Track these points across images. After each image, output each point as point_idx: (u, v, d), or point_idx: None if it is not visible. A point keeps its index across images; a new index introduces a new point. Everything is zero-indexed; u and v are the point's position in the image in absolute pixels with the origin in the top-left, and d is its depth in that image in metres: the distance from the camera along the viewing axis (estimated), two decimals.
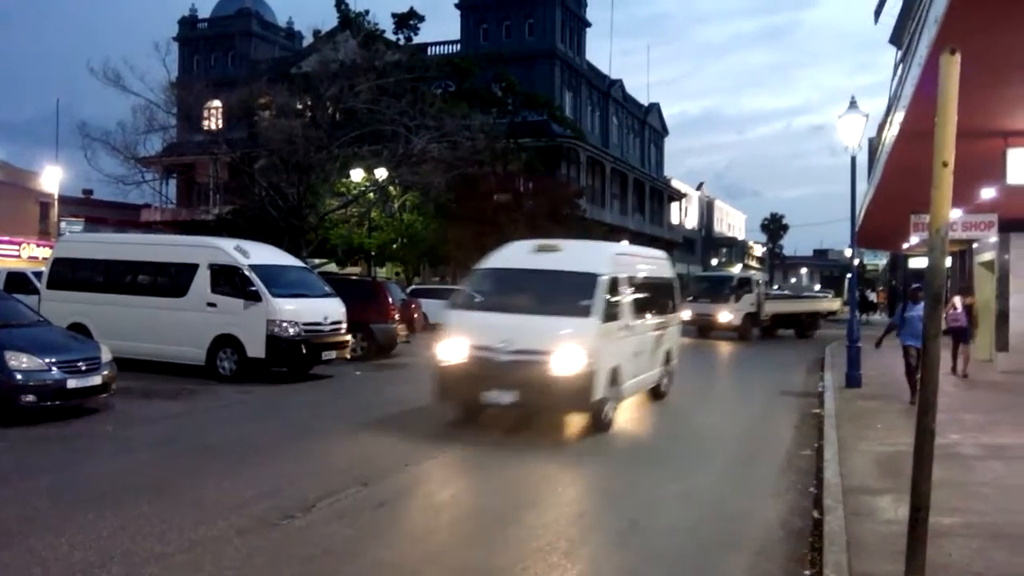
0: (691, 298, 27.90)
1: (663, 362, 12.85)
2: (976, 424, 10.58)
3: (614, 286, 10.51)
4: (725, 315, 27.67)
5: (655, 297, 12.48)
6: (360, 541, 5.98)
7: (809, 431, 11.01)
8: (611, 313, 10.14)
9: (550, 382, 9.40)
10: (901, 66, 11.58)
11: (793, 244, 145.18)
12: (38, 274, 18.00)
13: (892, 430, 10.28)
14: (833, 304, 37.89)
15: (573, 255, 11.02)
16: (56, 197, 37.16)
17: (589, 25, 56.89)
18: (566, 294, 10.22)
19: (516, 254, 11.34)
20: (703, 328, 28.24)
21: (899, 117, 9.96)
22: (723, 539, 6.28)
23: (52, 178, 36.79)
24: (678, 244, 68.70)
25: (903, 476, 7.31)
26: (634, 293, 11.23)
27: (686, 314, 26.81)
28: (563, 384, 9.41)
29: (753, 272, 33.25)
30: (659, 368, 12.62)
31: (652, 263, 13.37)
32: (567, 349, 9.50)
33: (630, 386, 11.02)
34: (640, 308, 11.42)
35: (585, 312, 9.78)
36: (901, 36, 15.67)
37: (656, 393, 12.86)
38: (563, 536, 6.17)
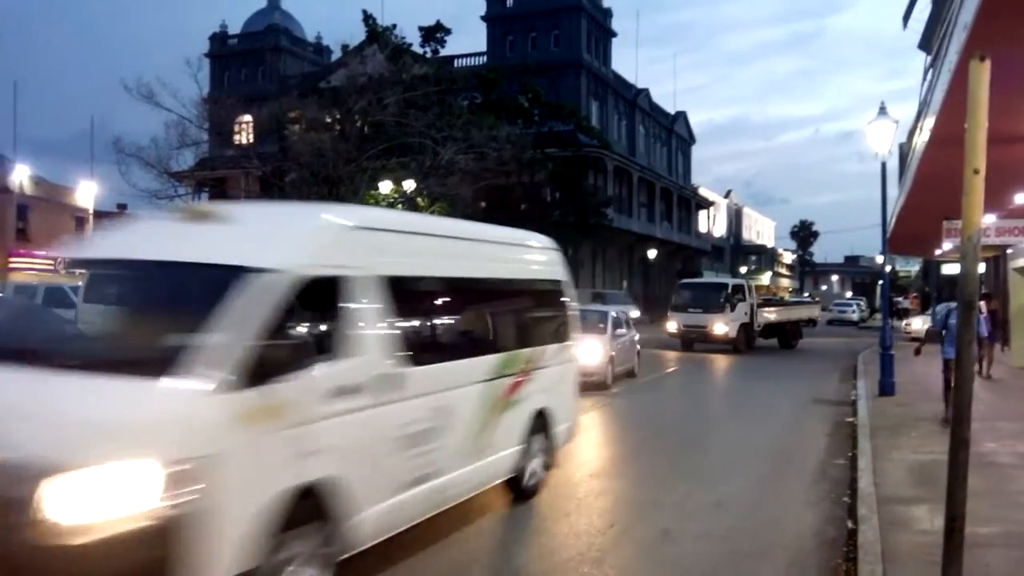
0: (678, 308, 26.58)
1: (522, 437, 7.24)
2: (1012, 433, 10.39)
3: (313, 295, 4.88)
4: (720, 326, 25.29)
5: (498, 315, 7.37)
6: (389, 548, 6.03)
7: (843, 440, 10.90)
8: (275, 363, 4.44)
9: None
10: (931, 72, 11.50)
11: (823, 251, 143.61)
12: (75, 288, 18.37)
13: (927, 438, 10.14)
14: (814, 310, 35.81)
15: (238, 231, 5.22)
16: (91, 212, 37.94)
17: (615, 35, 56.96)
18: (172, 320, 4.85)
19: (143, 230, 6.18)
20: (689, 341, 26.10)
21: (929, 123, 9.89)
22: (756, 548, 6.26)
23: (87, 193, 37.58)
24: (707, 252, 68.35)
25: (938, 485, 7.23)
26: (413, 308, 6.02)
27: (671, 326, 26.36)
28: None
29: (742, 279, 31.08)
30: (510, 450, 7.06)
31: (487, 249, 7.43)
32: (104, 478, 3.81)
33: (381, 519, 5.36)
34: (435, 339, 6.56)
35: (179, 367, 4.16)
36: (930, 41, 15.53)
37: (518, 490, 7.37)
38: (594, 546, 6.18)
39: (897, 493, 7.50)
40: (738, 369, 21.96)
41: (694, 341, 26.02)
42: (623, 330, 17.41)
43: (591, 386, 13.90)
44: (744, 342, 26.04)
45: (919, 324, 32.84)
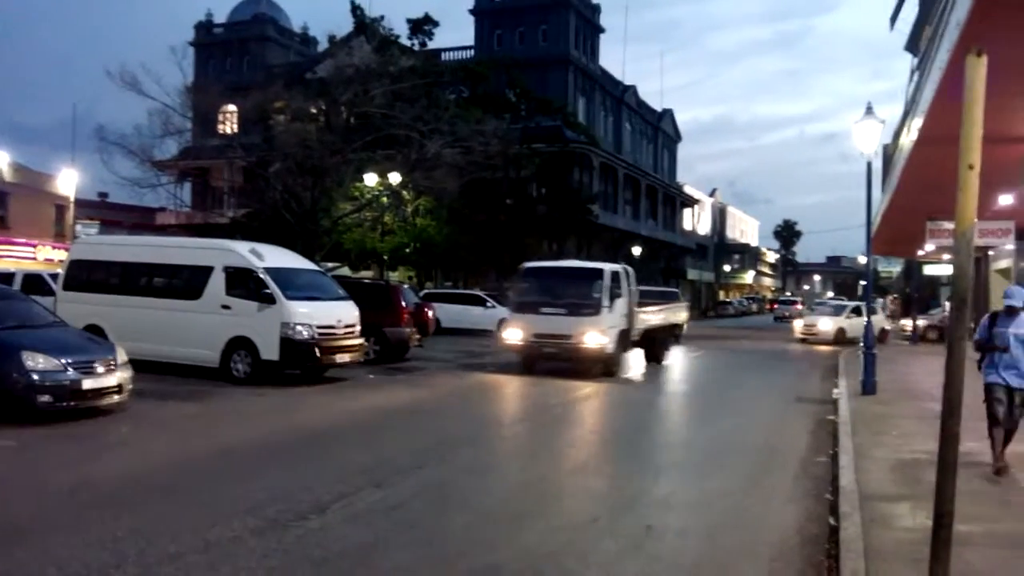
0: (524, 307, 17.24)
1: None
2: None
3: None
4: (595, 337, 16.31)
5: None
6: (374, 544, 5.96)
7: (824, 438, 10.91)
8: None
9: None
10: (918, 72, 11.52)
11: (806, 251, 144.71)
12: (54, 276, 18.13)
13: (908, 437, 10.18)
14: (681, 314, 24.86)
15: None
16: (72, 200, 37.48)
17: (603, 31, 56.98)
18: None
19: None
20: (535, 357, 17.30)
21: (917, 123, 9.91)
22: (739, 545, 6.22)
23: (68, 181, 37.12)
24: (691, 250, 68.61)
25: (920, 483, 7.27)
26: None
27: (511, 335, 17.09)
28: None
29: (622, 264, 20.00)
30: None
31: None
32: None
33: None
34: None
35: None
36: (917, 42, 15.60)
37: None
38: (577, 541, 6.13)
39: (879, 491, 7.50)
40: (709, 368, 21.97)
41: (544, 358, 17.32)
42: None
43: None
44: (619, 360, 17.64)
45: (826, 323, 32.23)
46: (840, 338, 30.85)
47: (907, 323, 35.90)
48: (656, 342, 20.24)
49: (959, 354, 4.34)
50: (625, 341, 17.60)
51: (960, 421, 4.27)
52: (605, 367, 16.91)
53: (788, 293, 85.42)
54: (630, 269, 18.66)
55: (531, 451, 9.88)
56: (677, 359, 22.62)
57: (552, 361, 17.40)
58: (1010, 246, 17.10)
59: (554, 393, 14.76)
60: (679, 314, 24.16)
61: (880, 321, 30.98)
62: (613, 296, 16.93)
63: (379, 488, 7.44)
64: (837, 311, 34.07)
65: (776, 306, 66.61)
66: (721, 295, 79.89)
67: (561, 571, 5.49)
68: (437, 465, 8.62)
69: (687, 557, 5.90)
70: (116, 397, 10.56)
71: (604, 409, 13.78)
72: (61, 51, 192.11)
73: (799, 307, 58.92)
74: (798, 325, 34.34)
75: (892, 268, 69.63)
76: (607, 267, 17.73)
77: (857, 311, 31.60)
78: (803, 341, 32.14)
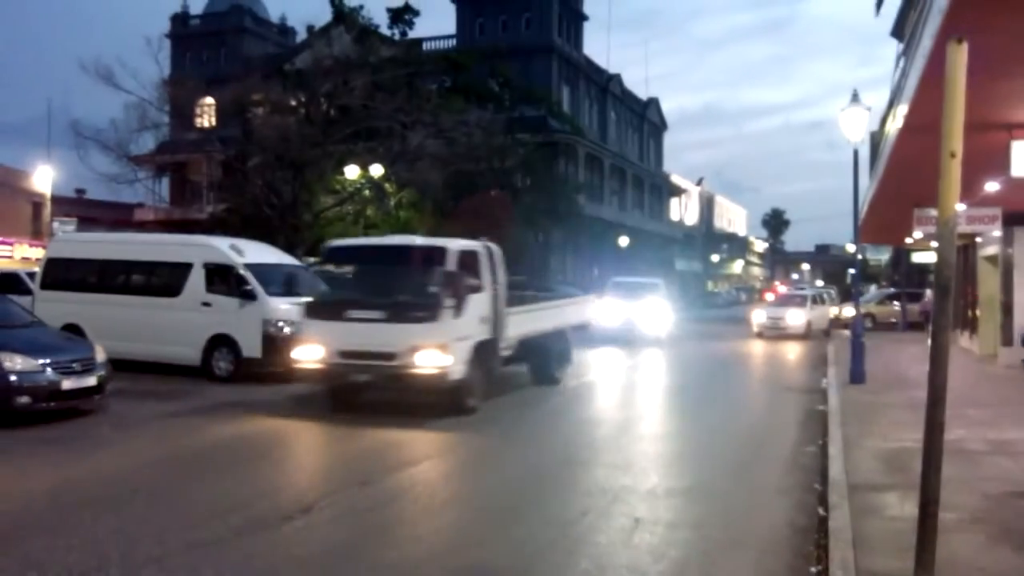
0: (325, 309, 11.36)
1: None
2: (981, 419, 10.54)
3: None
4: (431, 355, 10.50)
5: None
6: (360, 542, 5.90)
7: (813, 428, 10.93)
8: None
9: None
10: (903, 59, 11.50)
11: (794, 240, 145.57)
12: (31, 274, 17.87)
13: (896, 426, 10.22)
14: (585, 310, 16.96)
15: None
16: (48, 197, 36.98)
17: (586, 19, 56.78)
18: None
19: None
20: (345, 390, 11.37)
21: (902, 110, 9.87)
22: (728, 536, 6.21)
23: (44, 178, 36.62)
24: (679, 240, 68.76)
25: (908, 472, 7.28)
26: None
27: (309, 352, 10.88)
28: None
29: (480, 243, 12.47)
30: None
31: None
32: None
33: None
34: None
35: None
36: (903, 28, 15.58)
37: None
38: (566, 535, 6.09)
39: (868, 480, 7.52)
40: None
41: (356, 391, 11.52)
42: None
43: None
44: (479, 389, 11.47)
45: (797, 317, 27.20)
46: (808, 332, 27.28)
47: (849, 312, 34.03)
48: (549, 354, 14.09)
49: (943, 342, 4.32)
50: (487, 358, 11.52)
51: (945, 410, 4.25)
52: (454, 400, 10.89)
53: (819, 283, 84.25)
54: (495, 248, 12.44)
55: None
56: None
57: (377, 391, 11.80)
58: (997, 233, 17.16)
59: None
60: (585, 312, 16.77)
61: (832, 312, 30.26)
62: (462, 290, 10.86)
63: (365, 486, 7.40)
64: (802, 301, 29.39)
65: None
66: (710, 285, 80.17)
67: (551, 565, 5.43)
68: (423, 462, 8.55)
69: (676, 549, 5.87)
70: (96, 397, 10.43)
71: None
72: (34, 44, 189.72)
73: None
74: (760, 317, 28.20)
75: (881, 256, 70.06)
76: (452, 245, 11.41)
77: (817, 299, 30.11)
78: (759, 336, 27.26)
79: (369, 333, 10.62)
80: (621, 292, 25.49)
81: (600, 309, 23.35)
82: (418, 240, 13.43)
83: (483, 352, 11.37)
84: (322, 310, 11.28)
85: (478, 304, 11.34)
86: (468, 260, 11.58)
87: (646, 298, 25.13)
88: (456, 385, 10.72)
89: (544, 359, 14.15)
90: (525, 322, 12.85)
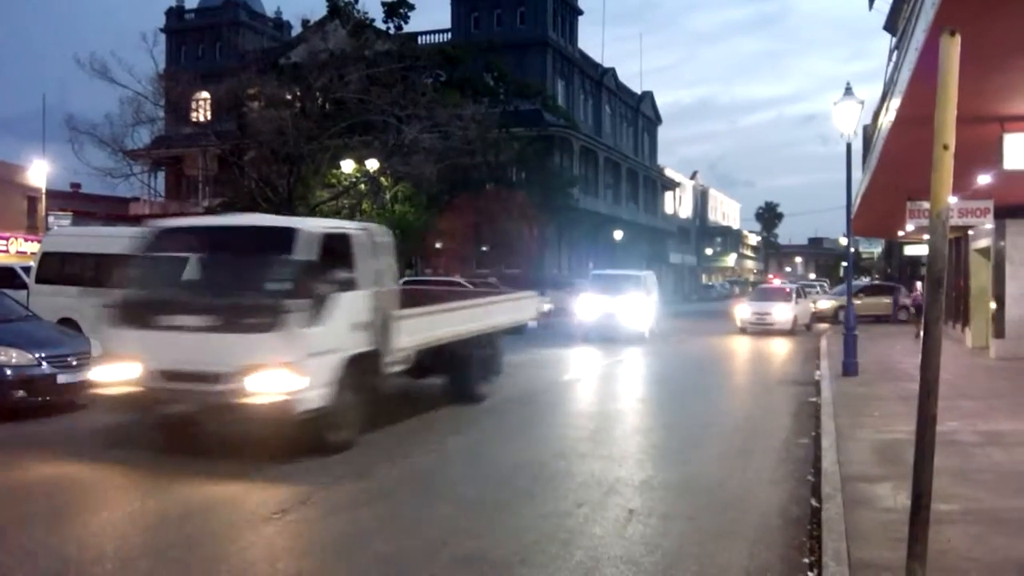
0: (135, 314, 8.09)
1: None
2: (974, 411, 10.59)
3: None
4: (273, 377, 7.53)
5: None
6: (357, 534, 5.91)
7: (806, 419, 10.98)
8: None
9: None
10: (896, 52, 11.54)
11: (788, 233, 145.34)
12: (27, 269, 17.83)
13: (889, 418, 10.27)
14: (522, 310, 13.76)
15: None
16: (44, 191, 36.87)
17: (581, 13, 56.69)
18: None
19: None
20: (163, 417, 8.44)
21: (895, 103, 9.91)
22: (722, 527, 6.24)
23: (39, 172, 36.49)
24: (673, 234, 68.79)
25: (901, 464, 7.32)
26: None
27: (116, 371, 8.06)
28: None
29: (349, 224, 11.60)
30: None
31: None
32: None
33: None
34: None
35: None
36: (896, 22, 15.63)
37: None
38: (562, 526, 6.12)
39: (861, 472, 7.56)
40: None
41: (178, 426, 8.57)
42: None
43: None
44: (352, 418, 8.52)
45: (784, 312, 26.15)
46: (794, 327, 26.55)
47: (824, 304, 33.65)
48: (469, 365, 11.45)
49: (936, 334, 4.34)
50: (367, 376, 8.76)
51: (937, 402, 4.27)
52: (318, 434, 8.09)
53: (812, 276, 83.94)
54: (380, 231, 10.00)
55: None
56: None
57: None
58: (989, 225, 17.21)
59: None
60: (522, 310, 13.63)
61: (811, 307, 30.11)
62: (322, 288, 8.09)
63: (361, 478, 7.42)
64: (788, 295, 28.16)
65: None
66: (704, 279, 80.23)
67: (546, 556, 5.46)
68: (421, 454, 8.59)
69: (670, 540, 5.90)
70: (91, 391, 10.41)
71: None
72: (29, 39, 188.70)
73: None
74: (743, 312, 27.02)
75: (874, 249, 70.25)
76: (308, 226, 8.56)
77: (801, 293, 29.76)
78: (742, 331, 26.35)
79: (191, 347, 7.74)
80: (600, 286, 23.86)
81: (579, 304, 23.50)
82: (264, 219, 10.71)
83: (359, 369, 8.46)
84: (133, 314, 8.10)
85: (350, 306, 8.46)
86: (336, 247, 8.64)
87: (628, 292, 23.29)
88: (313, 416, 7.78)
89: (462, 371, 11.43)
90: (430, 327, 10.20)
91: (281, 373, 7.52)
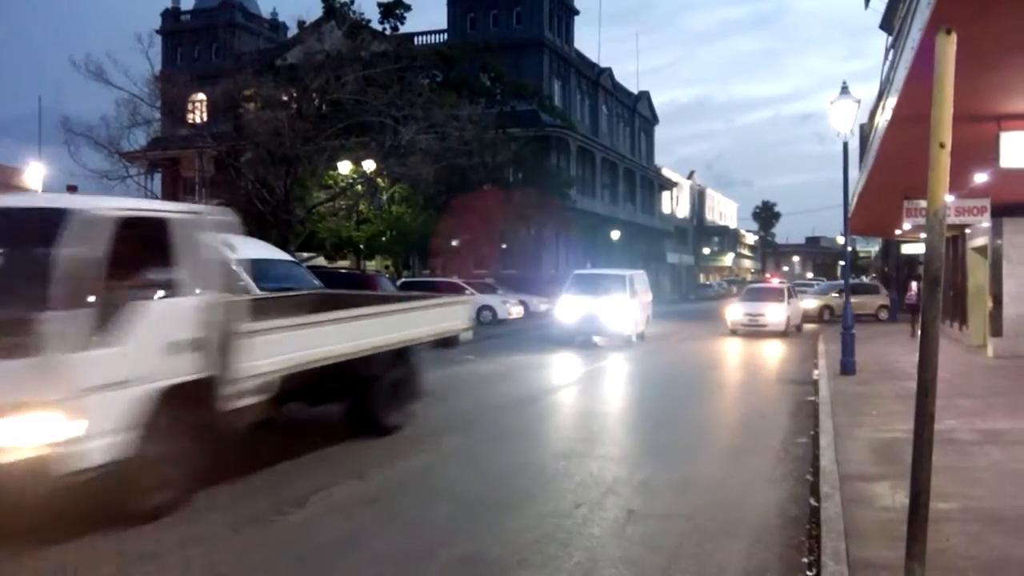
0: None
1: None
2: (972, 410, 10.60)
3: None
4: (37, 426, 5.27)
5: None
6: (356, 535, 5.91)
7: (805, 419, 10.99)
8: None
9: None
10: (892, 51, 11.55)
11: (785, 232, 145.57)
12: None
13: (887, 417, 10.27)
14: (450, 317, 10.63)
15: None
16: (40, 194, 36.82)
17: (577, 13, 56.72)
18: None
19: None
20: None
21: (892, 102, 9.91)
22: (721, 526, 6.24)
23: (35, 174, 36.36)
24: (670, 234, 68.80)
25: (899, 463, 7.32)
26: None
27: None
28: None
29: (198, 210, 7.25)
30: None
31: None
32: None
33: None
34: None
35: None
36: (892, 21, 15.64)
37: None
38: (560, 527, 6.11)
39: (859, 471, 7.57)
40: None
41: None
42: None
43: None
44: (174, 473, 6.21)
45: (778, 313, 24.85)
46: (787, 329, 25.40)
47: (809, 304, 33.49)
48: (376, 389, 9.16)
49: (934, 333, 4.35)
50: (198, 412, 6.48)
51: (935, 401, 4.28)
52: (119, 498, 5.94)
53: (809, 275, 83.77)
54: (220, 216, 7.44)
55: None
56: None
57: None
58: (986, 224, 17.23)
59: None
60: (448, 318, 10.68)
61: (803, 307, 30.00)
62: (107, 293, 5.74)
63: (360, 479, 7.42)
64: (780, 295, 26.78)
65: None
66: (701, 278, 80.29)
67: (545, 557, 5.45)
68: (417, 455, 8.56)
69: (670, 540, 5.90)
70: None
71: None
72: (24, 41, 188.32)
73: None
74: (735, 313, 25.80)
75: (871, 248, 70.33)
76: (86, 207, 5.95)
77: (792, 293, 29.27)
78: (733, 333, 25.28)
79: None
80: (582, 286, 22.13)
81: (559, 307, 21.94)
82: (34, 199, 8.64)
83: (182, 405, 6.26)
84: None
85: (166, 319, 6.32)
86: (144, 237, 6.37)
87: (612, 293, 21.60)
88: (101, 475, 5.62)
89: (365, 396, 9.08)
90: (304, 343, 7.63)
91: (43, 416, 5.31)
